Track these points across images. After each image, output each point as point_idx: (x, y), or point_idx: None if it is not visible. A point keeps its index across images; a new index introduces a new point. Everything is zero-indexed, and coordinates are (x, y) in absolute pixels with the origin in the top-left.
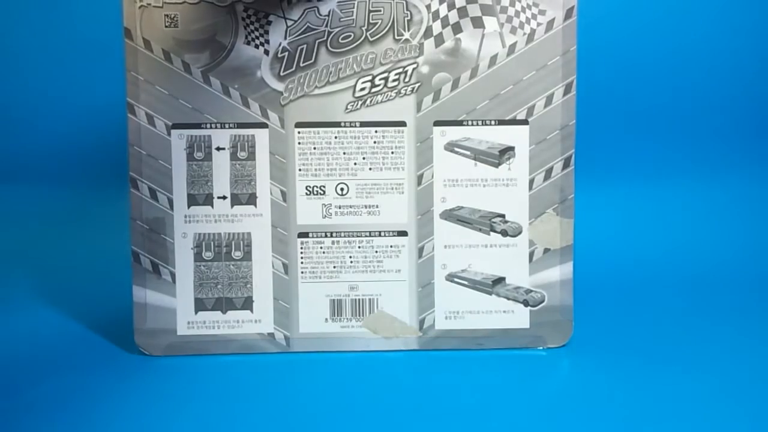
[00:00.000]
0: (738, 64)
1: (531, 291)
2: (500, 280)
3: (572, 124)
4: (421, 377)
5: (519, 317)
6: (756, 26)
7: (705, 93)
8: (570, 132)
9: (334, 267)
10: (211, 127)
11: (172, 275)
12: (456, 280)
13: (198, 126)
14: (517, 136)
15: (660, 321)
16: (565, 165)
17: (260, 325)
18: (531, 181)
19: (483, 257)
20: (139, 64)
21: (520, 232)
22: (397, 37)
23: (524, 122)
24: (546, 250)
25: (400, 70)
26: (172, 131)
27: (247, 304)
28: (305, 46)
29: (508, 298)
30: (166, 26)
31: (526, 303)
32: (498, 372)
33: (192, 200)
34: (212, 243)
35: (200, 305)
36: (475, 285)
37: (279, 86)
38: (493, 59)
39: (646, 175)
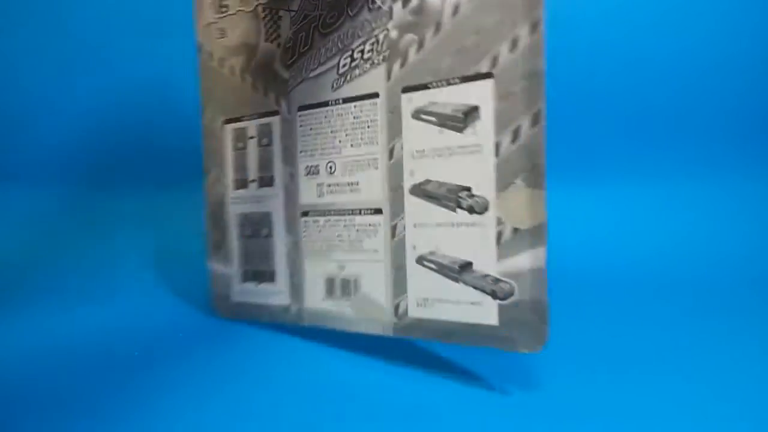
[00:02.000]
0: (733, 63)
1: (499, 281)
2: (467, 266)
3: (540, 71)
4: (387, 365)
5: (487, 311)
6: (749, 25)
7: (696, 91)
8: (538, 82)
9: (327, 246)
10: (245, 119)
11: (229, 250)
12: (425, 263)
13: (239, 119)
14: (482, 94)
15: (647, 324)
16: (534, 122)
17: (281, 296)
18: (497, 146)
19: (450, 238)
20: (203, 75)
21: (486, 208)
22: (370, 6)
23: (488, 75)
24: (515, 230)
25: (374, 39)
26: (224, 126)
27: (272, 276)
28: (304, 33)
29: (476, 288)
30: (217, 38)
31: (494, 294)
32: (463, 372)
33: (236, 184)
34: (248, 222)
35: (245, 276)
36: (443, 270)
37: (286, 74)
38: (456, 7)
39: (635, 175)
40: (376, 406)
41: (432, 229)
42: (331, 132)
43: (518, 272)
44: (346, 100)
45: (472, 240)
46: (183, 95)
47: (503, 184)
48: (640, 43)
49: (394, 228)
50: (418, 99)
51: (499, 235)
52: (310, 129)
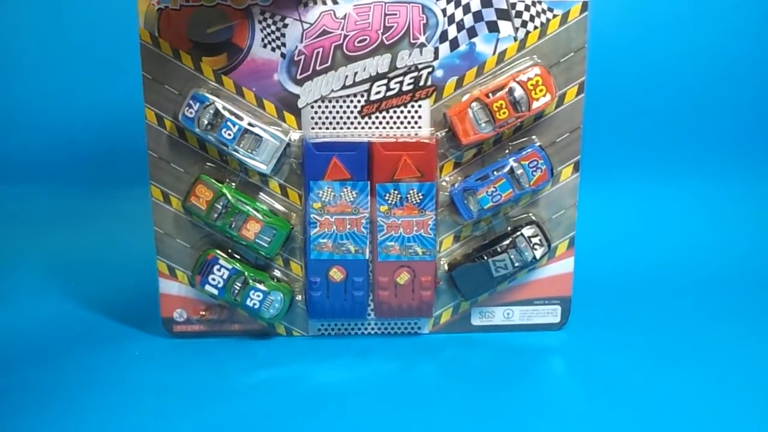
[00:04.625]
0: (735, 62)
1: None
2: None
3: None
4: None
5: None
6: (756, 25)
7: (703, 91)
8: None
9: None
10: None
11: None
12: None
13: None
14: None
15: (658, 321)
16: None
17: None
18: None
19: None
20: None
21: None
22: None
23: None
24: None
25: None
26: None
27: None
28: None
29: None
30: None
31: None
32: None
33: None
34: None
35: None
36: None
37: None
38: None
39: (645, 174)
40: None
41: None
42: None
43: None
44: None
45: None
46: None
47: None
48: (648, 41)
49: None
50: None
51: None
52: None
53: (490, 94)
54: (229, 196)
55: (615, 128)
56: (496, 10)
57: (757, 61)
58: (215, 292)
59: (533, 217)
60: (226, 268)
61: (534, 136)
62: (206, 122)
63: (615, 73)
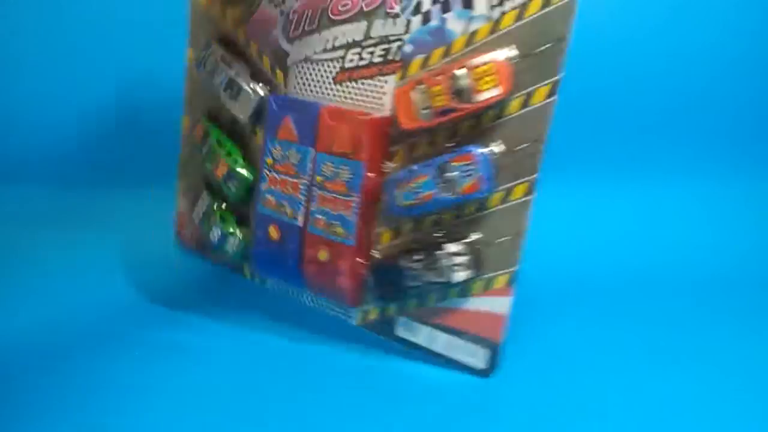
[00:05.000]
0: (732, 60)
1: None
2: None
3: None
4: None
5: None
6: (742, 24)
7: (700, 90)
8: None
9: None
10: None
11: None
12: None
13: None
14: None
15: (646, 323)
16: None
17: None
18: None
19: None
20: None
21: None
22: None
23: None
24: None
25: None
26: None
27: None
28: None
29: None
30: None
31: None
32: None
33: None
34: None
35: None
36: None
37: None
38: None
39: (634, 173)
40: None
41: None
42: None
43: None
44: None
45: None
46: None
47: None
48: (640, 41)
49: None
50: None
51: None
52: None
53: (436, 78)
54: (212, 137)
55: (608, 128)
56: None
57: (755, 59)
58: (196, 221)
59: (471, 236)
60: (205, 203)
61: (494, 139)
62: (208, 68)
63: (604, 70)
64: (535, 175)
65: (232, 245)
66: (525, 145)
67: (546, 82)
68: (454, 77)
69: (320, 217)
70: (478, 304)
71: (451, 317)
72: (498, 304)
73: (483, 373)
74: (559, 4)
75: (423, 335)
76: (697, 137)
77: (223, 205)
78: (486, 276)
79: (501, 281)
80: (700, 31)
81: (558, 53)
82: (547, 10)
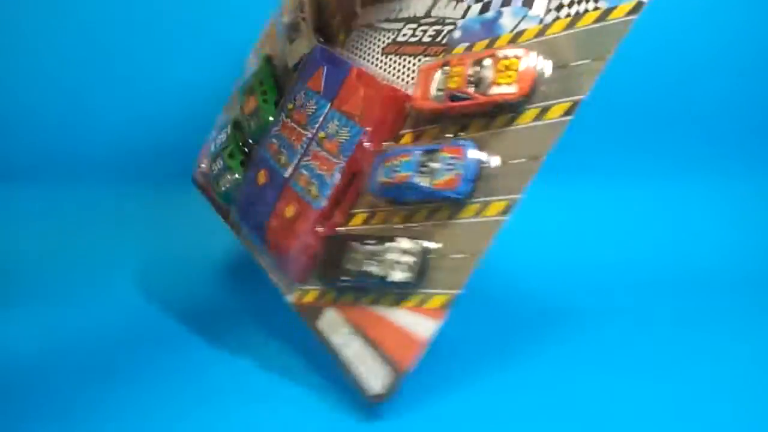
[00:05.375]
0: (729, 59)
1: None
2: None
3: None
4: None
5: None
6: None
7: (681, 88)
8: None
9: None
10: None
11: None
12: None
13: None
14: None
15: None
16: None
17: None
18: None
19: None
20: None
21: None
22: None
23: None
24: None
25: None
26: None
27: None
28: None
29: None
30: None
31: None
32: None
33: None
34: None
35: None
36: None
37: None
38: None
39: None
40: None
41: None
42: None
43: None
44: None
45: None
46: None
47: None
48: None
49: None
50: None
51: None
52: None
53: (462, 59)
54: (257, 74)
55: (606, 128)
56: None
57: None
58: (210, 149)
59: (430, 241)
60: (222, 136)
61: (496, 149)
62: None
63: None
64: (518, 196)
65: (225, 181)
66: (521, 160)
67: (568, 99)
68: (478, 63)
69: (304, 173)
70: (405, 319)
71: (374, 323)
72: (423, 327)
73: (374, 400)
74: (615, 21)
75: (340, 335)
76: (696, 137)
77: (240, 143)
78: (425, 291)
79: (437, 301)
80: (699, 31)
81: (591, 72)
82: (599, 25)
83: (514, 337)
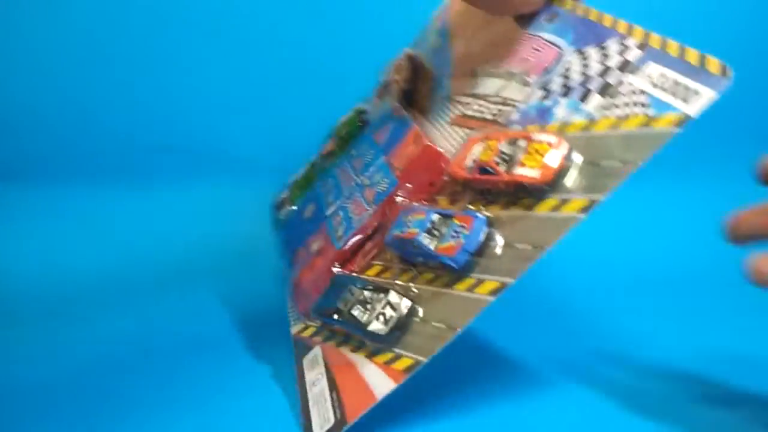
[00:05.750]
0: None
1: None
2: None
3: None
4: None
5: None
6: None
7: None
8: None
9: None
10: None
11: None
12: None
13: None
14: None
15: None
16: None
17: None
18: None
19: None
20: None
21: None
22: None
23: None
24: None
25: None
26: None
27: None
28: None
29: None
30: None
31: None
32: None
33: None
34: None
35: None
36: None
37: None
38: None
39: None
40: None
41: None
42: None
43: None
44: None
45: None
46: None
47: None
48: None
49: None
50: None
51: None
52: None
53: (501, 134)
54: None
55: None
56: (604, 83)
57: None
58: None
59: (420, 303)
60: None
61: (508, 231)
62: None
63: None
64: (511, 281)
65: (285, 211)
66: (526, 246)
67: (589, 196)
68: (514, 142)
69: (340, 214)
70: (372, 373)
71: (345, 370)
72: (382, 385)
73: None
74: (657, 130)
75: (314, 373)
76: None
77: (309, 180)
78: (398, 350)
79: (403, 364)
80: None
81: (618, 176)
82: (642, 130)
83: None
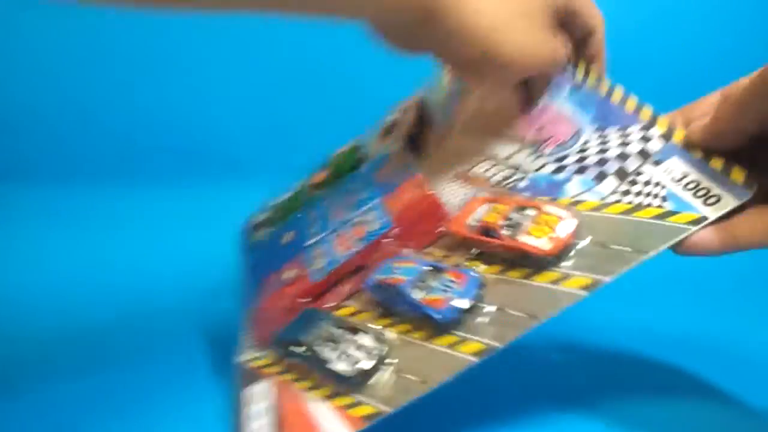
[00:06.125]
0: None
1: None
2: None
3: None
4: None
5: None
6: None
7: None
8: None
9: None
10: None
11: None
12: None
13: None
14: None
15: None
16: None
17: None
18: None
19: None
20: None
21: None
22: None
23: None
24: None
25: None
26: None
27: None
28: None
29: None
30: None
31: None
32: None
33: None
34: None
35: None
36: None
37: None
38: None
39: None
40: None
41: None
42: None
43: None
44: None
45: None
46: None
47: None
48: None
49: None
50: None
51: None
52: None
53: (510, 199)
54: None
55: None
56: (620, 169)
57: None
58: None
59: (393, 352)
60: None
61: (500, 296)
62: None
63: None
64: (498, 345)
65: (260, 234)
66: (519, 314)
67: (593, 276)
68: (522, 209)
69: (322, 247)
70: (325, 416)
71: (294, 409)
72: (335, 430)
73: None
74: (671, 225)
75: (257, 407)
76: None
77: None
78: (360, 397)
79: (362, 411)
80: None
81: (625, 262)
82: (656, 222)
83: None
